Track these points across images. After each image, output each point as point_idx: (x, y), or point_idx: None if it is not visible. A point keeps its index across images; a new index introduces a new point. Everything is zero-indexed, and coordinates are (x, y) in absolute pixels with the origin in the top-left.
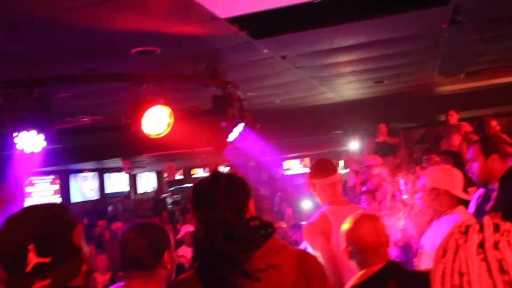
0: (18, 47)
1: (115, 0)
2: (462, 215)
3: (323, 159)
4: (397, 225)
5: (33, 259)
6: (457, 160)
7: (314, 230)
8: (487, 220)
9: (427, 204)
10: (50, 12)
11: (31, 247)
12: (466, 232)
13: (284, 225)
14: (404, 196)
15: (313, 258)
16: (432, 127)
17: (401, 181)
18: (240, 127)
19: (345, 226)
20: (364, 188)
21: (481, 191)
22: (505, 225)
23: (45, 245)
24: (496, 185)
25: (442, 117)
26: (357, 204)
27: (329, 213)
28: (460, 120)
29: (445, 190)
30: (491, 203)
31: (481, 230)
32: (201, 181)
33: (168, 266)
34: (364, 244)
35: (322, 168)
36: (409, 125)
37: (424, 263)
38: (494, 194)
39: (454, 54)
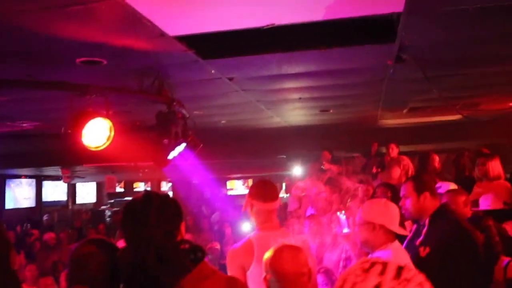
0: None
1: (65, 7)
2: (395, 251)
3: (267, 182)
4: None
5: None
6: (395, 193)
7: (234, 259)
8: (391, 264)
9: (363, 237)
10: None
11: None
12: (368, 270)
13: (217, 246)
14: (345, 230)
15: (242, 285)
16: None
17: (342, 215)
18: (182, 146)
19: (267, 254)
20: (309, 212)
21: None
22: (408, 273)
23: None
24: (426, 221)
25: (383, 149)
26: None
27: (255, 240)
28: (400, 153)
29: (380, 224)
30: (421, 238)
31: (382, 272)
32: (133, 200)
33: None
34: (283, 273)
35: (265, 192)
36: (351, 155)
37: None
38: (424, 230)
39: (398, 90)
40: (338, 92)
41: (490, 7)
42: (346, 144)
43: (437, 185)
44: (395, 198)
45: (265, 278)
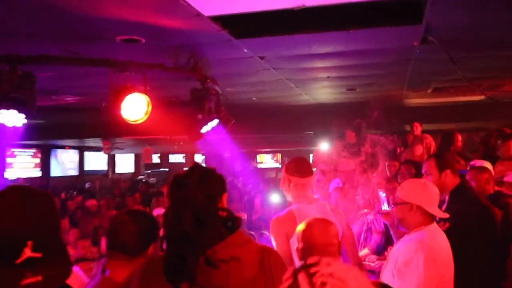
0: (6, 23)
1: None
2: (431, 234)
3: (301, 158)
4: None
5: (27, 253)
6: (419, 170)
7: (278, 227)
8: (302, 277)
9: (399, 217)
10: None
11: (29, 243)
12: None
13: (244, 216)
14: (384, 207)
15: (276, 254)
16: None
17: (382, 193)
18: (215, 122)
19: (299, 227)
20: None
21: None
22: (322, 278)
23: (40, 242)
24: (446, 198)
25: (408, 128)
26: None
27: (296, 212)
28: (424, 132)
29: (417, 205)
30: None
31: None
32: (179, 172)
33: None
34: (314, 242)
35: (301, 167)
36: (376, 132)
37: (384, 276)
38: (444, 206)
39: (423, 70)
40: (365, 71)
41: None
42: (371, 122)
43: (472, 162)
44: (419, 174)
45: (297, 248)
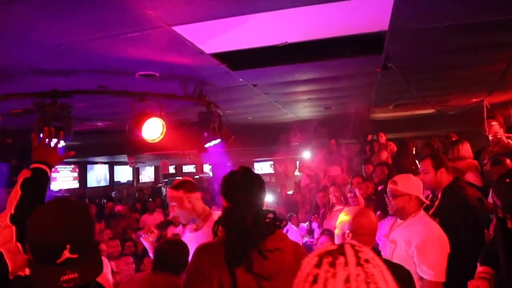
0: (47, 65)
1: (125, 35)
2: (424, 216)
3: None
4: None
5: (66, 254)
6: (390, 170)
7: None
8: (349, 251)
9: (399, 207)
10: (73, 40)
11: (68, 246)
12: (334, 264)
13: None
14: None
15: (302, 247)
16: (366, 144)
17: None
18: (218, 140)
19: (346, 216)
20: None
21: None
22: (365, 255)
23: (77, 245)
24: (439, 194)
25: (374, 137)
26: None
27: None
28: (388, 140)
29: (416, 196)
30: (433, 209)
31: (346, 263)
32: (232, 173)
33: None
34: (366, 228)
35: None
36: (349, 141)
37: (396, 256)
38: (437, 202)
39: (385, 91)
40: (338, 93)
41: (455, 25)
42: (345, 133)
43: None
44: (391, 174)
45: (343, 234)
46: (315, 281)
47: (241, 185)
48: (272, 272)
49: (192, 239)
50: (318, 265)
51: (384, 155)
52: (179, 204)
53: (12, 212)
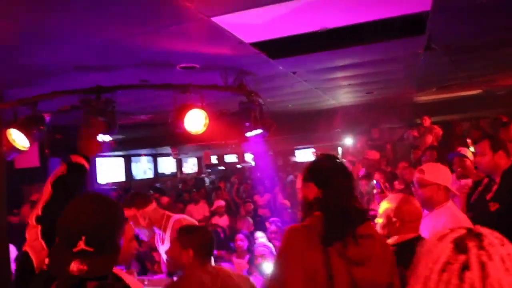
0: (90, 62)
1: (166, 29)
2: (452, 207)
3: None
4: None
5: (81, 245)
6: (439, 154)
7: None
8: (486, 234)
9: (427, 197)
10: (115, 37)
11: (83, 237)
12: (481, 246)
13: (288, 203)
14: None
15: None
16: (410, 128)
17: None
18: (259, 130)
19: (389, 204)
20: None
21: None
22: (494, 234)
23: (93, 239)
24: (498, 179)
25: (418, 121)
26: None
27: None
28: (432, 123)
29: (444, 185)
30: (491, 194)
31: (492, 244)
32: (320, 160)
33: None
34: (410, 217)
35: None
36: (392, 126)
37: None
38: (495, 187)
39: (428, 72)
40: (380, 77)
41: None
42: (388, 118)
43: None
44: (440, 159)
45: (390, 222)
46: (466, 267)
47: (337, 170)
48: (363, 258)
49: (164, 250)
50: (462, 250)
51: (430, 139)
52: (135, 223)
53: (39, 213)
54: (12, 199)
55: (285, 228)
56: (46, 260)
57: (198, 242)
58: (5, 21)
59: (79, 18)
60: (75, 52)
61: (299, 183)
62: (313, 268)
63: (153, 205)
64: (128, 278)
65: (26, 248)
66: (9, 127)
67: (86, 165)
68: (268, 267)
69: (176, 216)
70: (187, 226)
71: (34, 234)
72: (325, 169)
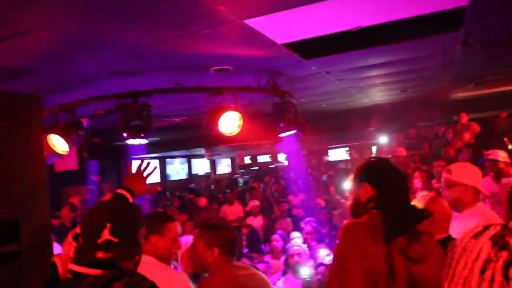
0: (125, 67)
1: (198, 32)
2: (482, 208)
3: None
4: None
5: (106, 234)
6: (475, 152)
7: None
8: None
9: (454, 198)
10: (149, 41)
11: (108, 224)
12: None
13: (322, 202)
14: None
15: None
16: (446, 125)
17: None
18: (293, 131)
19: (419, 203)
20: None
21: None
22: None
23: (117, 228)
24: None
25: (455, 118)
26: None
27: None
28: (469, 120)
29: (472, 186)
30: None
31: None
32: (372, 161)
33: None
34: (438, 216)
35: None
36: (428, 124)
37: None
38: None
39: (465, 68)
40: (415, 75)
41: None
42: (423, 115)
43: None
44: (477, 155)
45: None
46: (510, 264)
47: (391, 169)
48: (422, 256)
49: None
50: (503, 247)
51: (467, 137)
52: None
53: (79, 231)
54: (52, 201)
55: (344, 223)
56: (71, 254)
57: (222, 240)
58: (46, 32)
59: (114, 26)
60: (111, 58)
61: (350, 185)
62: (374, 262)
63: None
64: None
65: (54, 259)
66: (49, 133)
67: (130, 199)
68: (304, 269)
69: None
70: (211, 224)
71: (67, 250)
72: (380, 169)
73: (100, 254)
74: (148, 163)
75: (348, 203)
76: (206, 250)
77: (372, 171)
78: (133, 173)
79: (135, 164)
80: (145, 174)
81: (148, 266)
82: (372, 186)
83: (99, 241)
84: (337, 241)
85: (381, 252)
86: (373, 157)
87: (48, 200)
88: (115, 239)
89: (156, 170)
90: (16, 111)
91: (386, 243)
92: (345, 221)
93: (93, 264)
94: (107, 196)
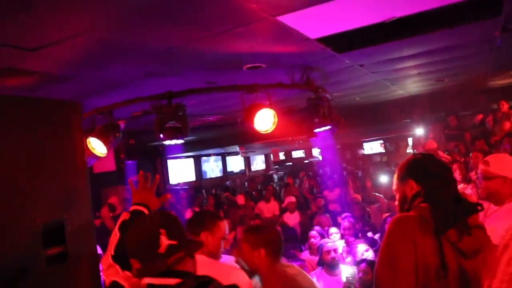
0: (161, 69)
1: (231, 31)
2: None
3: None
4: None
5: (164, 241)
6: None
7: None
8: None
9: (492, 190)
10: (182, 42)
11: (162, 230)
12: None
13: (358, 197)
14: None
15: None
16: (485, 114)
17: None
18: (328, 127)
19: None
20: None
21: None
22: None
23: (172, 230)
24: None
25: (494, 106)
26: None
27: None
28: (510, 108)
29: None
30: None
31: None
32: (415, 157)
33: None
34: None
35: None
36: (466, 113)
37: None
38: None
39: (504, 55)
40: (451, 64)
41: None
42: (460, 104)
43: None
44: None
45: None
46: None
47: (435, 163)
48: (473, 250)
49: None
50: None
51: (507, 125)
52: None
53: (113, 253)
54: (93, 202)
55: (393, 217)
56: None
57: (267, 240)
58: (83, 38)
59: (149, 29)
60: (145, 61)
61: (395, 183)
62: (425, 256)
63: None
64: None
65: (113, 278)
66: (88, 136)
67: (147, 213)
68: (346, 268)
69: None
70: (254, 226)
71: (114, 271)
72: (423, 164)
73: (170, 261)
74: (148, 175)
75: (383, 199)
76: (252, 252)
77: (415, 167)
78: (139, 189)
79: (136, 180)
80: (149, 185)
81: (204, 264)
82: (416, 182)
83: (161, 250)
84: (386, 235)
85: (432, 246)
86: (416, 154)
87: (90, 202)
88: (174, 242)
89: (190, 168)
90: (57, 117)
91: (437, 237)
92: (384, 215)
93: (166, 273)
94: (124, 215)
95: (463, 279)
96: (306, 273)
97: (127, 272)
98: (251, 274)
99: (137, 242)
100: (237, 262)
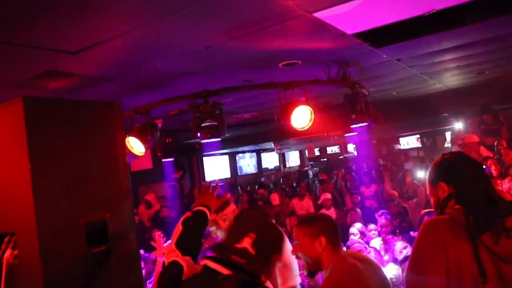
0: (196, 68)
1: (267, 29)
2: None
3: None
4: None
5: (246, 243)
6: None
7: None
8: None
9: None
10: (219, 41)
11: (252, 235)
12: None
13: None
14: None
15: None
16: None
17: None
18: (365, 123)
19: None
20: None
21: None
22: None
23: (259, 242)
24: None
25: None
26: None
27: None
28: None
29: None
30: None
31: None
32: (444, 159)
33: None
34: None
35: None
36: (508, 106)
37: None
38: None
39: None
40: (493, 55)
41: None
42: (501, 98)
43: None
44: None
45: None
46: None
47: (464, 161)
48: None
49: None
50: None
51: None
52: (217, 226)
53: (175, 242)
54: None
55: (425, 220)
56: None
57: (325, 227)
58: (121, 40)
59: (186, 29)
60: (182, 60)
61: (428, 187)
62: (459, 261)
63: (232, 206)
64: None
65: (174, 258)
66: (127, 135)
67: (208, 214)
68: (389, 269)
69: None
70: (305, 217)
71: (176, 254)
72: (452, 165)
73: (234, 257)
74: (216, 185)
75: (422, 192)
76: (313, 243)
77: (445, 168)
78: (202, 194)
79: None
80: (211, 191)
81: None
82: (447, 184)
83: (238, 245)
84: (416, 239)
85: (466, 250)
86: (445, 154)
87: (131, 201)
88: (252, 251)
89: (225, 165)
90: (100, 118)
91: (472, 241)
92: (422, 211)
93: (226, 264)
94: (188, 214)
95: (503, 285)
96: (372, 260)
97: (186, 257)
98: (317, 268)
99: (233, 226)
100: (297, 257)
